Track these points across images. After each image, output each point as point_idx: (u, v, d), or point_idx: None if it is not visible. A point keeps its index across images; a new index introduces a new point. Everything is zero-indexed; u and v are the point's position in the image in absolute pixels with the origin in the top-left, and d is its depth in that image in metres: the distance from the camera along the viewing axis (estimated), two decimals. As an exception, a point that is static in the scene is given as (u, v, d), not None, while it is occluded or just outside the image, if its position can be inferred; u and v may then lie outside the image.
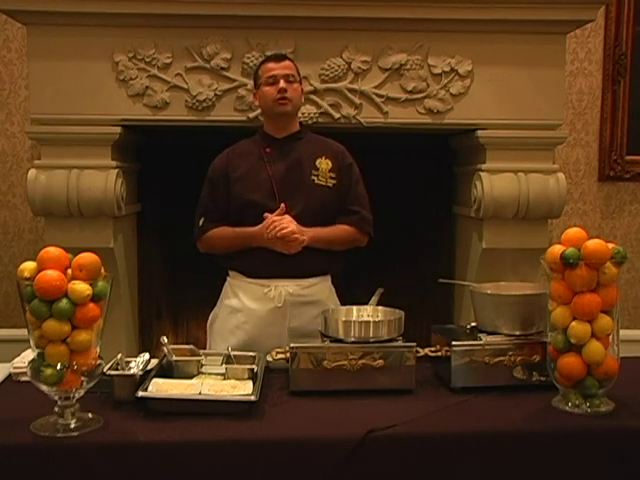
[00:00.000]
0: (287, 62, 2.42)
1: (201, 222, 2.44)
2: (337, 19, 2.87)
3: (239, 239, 2.37)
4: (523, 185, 3.00)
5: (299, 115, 2.93)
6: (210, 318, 2.54)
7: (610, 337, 1.70)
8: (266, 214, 2.29)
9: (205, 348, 2.43)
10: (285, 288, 2.35)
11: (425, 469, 1.57)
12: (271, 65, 2.40)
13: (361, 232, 2.45)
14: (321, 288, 2.43)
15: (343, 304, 2.16)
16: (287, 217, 2.28)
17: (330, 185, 2.38)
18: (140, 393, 1.67)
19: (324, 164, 2.38)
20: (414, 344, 1.87)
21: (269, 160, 2.38)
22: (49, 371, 1.52)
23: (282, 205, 2.29)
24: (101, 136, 2.93)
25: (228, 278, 2.48)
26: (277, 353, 1.90)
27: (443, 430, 1.62)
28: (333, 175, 2.39)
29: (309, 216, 2.34)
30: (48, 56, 2.89)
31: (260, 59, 2.87)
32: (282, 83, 2.35)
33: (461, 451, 1.58)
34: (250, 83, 2.90)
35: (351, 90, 2.98)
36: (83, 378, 1.56)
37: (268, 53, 2.84)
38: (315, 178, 2.37)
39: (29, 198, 2.95)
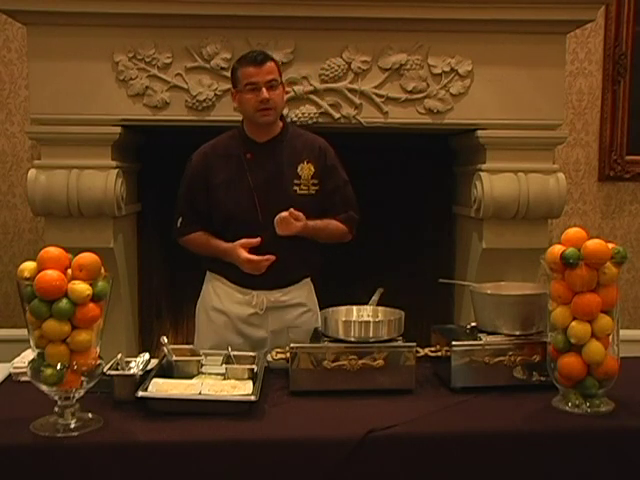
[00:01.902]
0: (268, 65, 2.28)
1: (179, 223, 2.43)
2: (337, 19, 2.87)
3: (213, 250, 2.37)
4: (523, 185, 3.00)
5: (299, 115, 2.95)
6: (196, 312, 2.54)
7: (610, 337, 1.70)
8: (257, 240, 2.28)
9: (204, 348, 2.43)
10: (266, 296, 2.36)
11: (425, 469, 1.57)
12: (251, 70, 2.26)
13: (348, 229, 2.43)
14: (301, 291, 2.44)
15: (338, 304, 2.13)
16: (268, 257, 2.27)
17: (313, 192, 2.34)
18: (140, 393, 1.67)
19: (306, 170, 2.34)
20: (414, 344, 1.87)
21: (250, 168, 2.33)
22: (49, 371, 1.52)
23: (258, 239, 2.26)
24: (101, 136, 2.93)
25: (208, 274, 2.48)
26: (277, 353, 1.90)
27: (443, 430, 1.62)
28: (315, 181, 2.34)
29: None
30: (48, 56, 2.89)
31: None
32: (265, 92, 2.24)
33: (461, 451, 1.58)
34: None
35: (351, 90, 2.98)
36: (83, 378, 1.56)
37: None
38: (297, 188, 2.32)
39: (29, 198, 2.95)
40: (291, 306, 2.39)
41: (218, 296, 2.42)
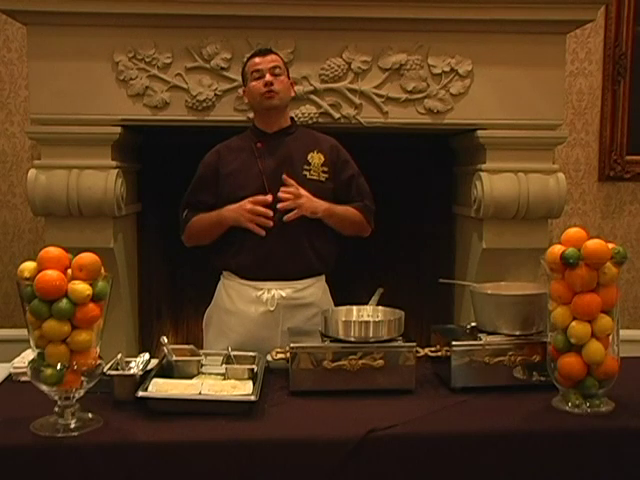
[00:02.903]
0: (273, 55, 2.42)
1: (184, 214, 2.44)
2: (337, 19, 2.87)
3: (212, 219, 2.36)
4: (523, 185, 3.00)
5: (299, 115, 2.95)
6: (205, 317, 2.54)
7: (610, 337, 1.70)
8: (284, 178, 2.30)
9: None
10: (278, 292, 2.34)
11: (425, 469, 1.57)
12: (256, 60, 2.40)
13: (366, 219, 2.45)
14: (314, 290, 2.41)
15: (338, 304, 2.15)
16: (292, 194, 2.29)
17: (322, 179, 2.37)
18: (140, 393, 1.67)
19: (316, 158, 2.38)
20: (414, 344, 1.87)
21: (260, 155, 2.37)
22: (49, 371, 1.52)
23: (269, 196, 2.28)
24: (101, 136, 2.93)
25: (222, 277, 2.48)
26: (277, 353, 1.89)
27: (443, 430, 1.62)
28: (325, 169, 2.38)
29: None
30: (48, 56, 2.89)
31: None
32: (268, 76, 2.35)
33: (461, 451, 1.58)
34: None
35: (351, 90, 2.98)
36: (83, 378, 1.56)
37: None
38: (307, 173, 2.36)
39: (29, 198, 2.95)
40: (303, 305, 2.37)
41: (230, 297, 2.41)
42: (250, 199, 2.30)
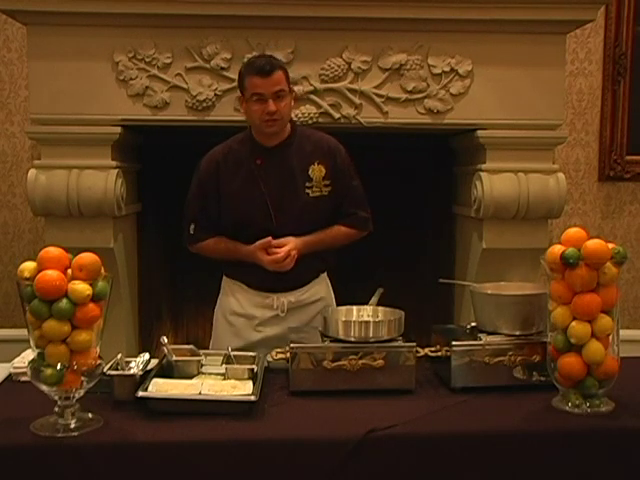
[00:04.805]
0: (275, 76, 2.19)
1: (192, 229, 2.38)
2: (337, 19, 2.87)
3: (233, 255, 2.35)
4: (523, 185, 3.00)
5: (299, 115, 2.95)
6: (214, 318, 2.53)
7: (610, 337, 1.70)
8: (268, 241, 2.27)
9: (205, 348, 2.43)
10: (287, 298, 2.36)
11: (425, 469, 1.57)
12: (257, 81, 2.19)
13: (359, 230, 2.43)
14: (319, 287, 2.44)
15: (341, 303, 2.15)
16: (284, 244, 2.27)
17: (325, 193, 2.33)
18: (140, 393, 1.67)
19: (317, 171, 2.32)
20: (414, 344, 1.87)
21: (260, 174, 2.30)
22: (49, 371, 1.52)
23: (269, 238, 2.25)
24: (101, 136, 2.93)
25: (225, 277, 2.47)
26: (277, 353, 1.90)
27: (443, 430, 1.62)
28: (327, 182, 2.33)
29: (305, 228, 2.32)
30: (48, 56, 2.89)
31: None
32: (271, 105, 2.18)
33: (461, 451, 1.58)
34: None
35: (351, 90, 2.98)
36: (83, 378, 1.56)
37: (267, 53, 2.83)
38: (309, 191, 2.31)
39: (29, 198, 2.95)
40: (311, 303, 2.40)
41: (238, 300, 2.41)
42: (257, 248, 2.25)
